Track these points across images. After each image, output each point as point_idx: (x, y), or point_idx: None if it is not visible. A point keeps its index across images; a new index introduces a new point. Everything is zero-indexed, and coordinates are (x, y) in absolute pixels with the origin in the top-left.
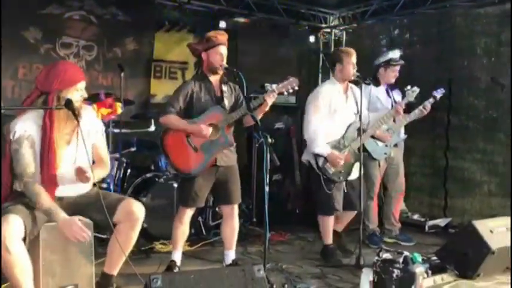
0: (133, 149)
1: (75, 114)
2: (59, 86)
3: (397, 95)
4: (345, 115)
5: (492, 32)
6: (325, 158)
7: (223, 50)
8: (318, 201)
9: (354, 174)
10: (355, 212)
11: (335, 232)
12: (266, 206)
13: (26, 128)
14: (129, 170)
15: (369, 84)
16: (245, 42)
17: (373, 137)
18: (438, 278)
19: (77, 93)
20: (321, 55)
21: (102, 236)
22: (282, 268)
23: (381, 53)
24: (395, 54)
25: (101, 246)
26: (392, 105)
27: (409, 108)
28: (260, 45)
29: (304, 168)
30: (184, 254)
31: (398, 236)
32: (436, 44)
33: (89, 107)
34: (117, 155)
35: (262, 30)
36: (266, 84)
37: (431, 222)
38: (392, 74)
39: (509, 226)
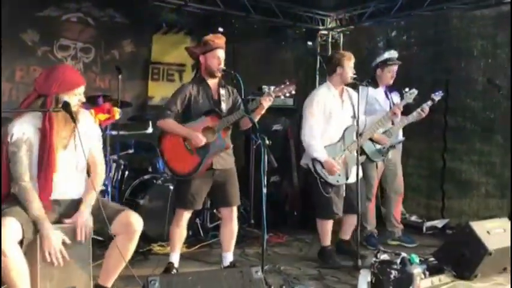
0: (131, 151)
1: (73, 117)
2: (57, 90)
3: (395, 96)
4: (341, 119)
5: (488, 34)
6: (322, 163)
7: (220, 53)
8: (317, 205)
9: (353, 177)
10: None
11: (344, 241)
12: (264, 208)
13: (24, 130)
14: (126, 172)
15: (366, 85)
16: (243, 45)
17: (371, 139)
18: (436, 279)
19: (75, 97)
20: (318, 57)
21: (100, 239)
22: (280, 270)
23: (378, 54)
24: (391, 54)
25: (99, 248)
26: (390, 107)
27: (407, 110)
28: (258, 48)
29: (302, 170)
30: (182, 256)
31: (401, 237)
32: (433, 46)
33: (86, 112)
34: (115, 157)
35: (260, 33)
36: (263, 87)
37: (428, 224)
38: (389, 75)
39: (506, 227)
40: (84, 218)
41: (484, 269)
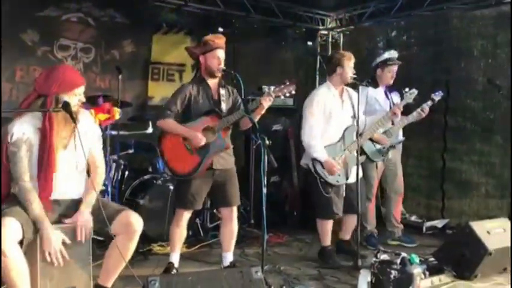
0: (131, 151)
1: (73, 117)
2: (57, 90)
3: (395, 96)
4: (341, 119)
5: (488, 34)
6: (322, 163)
7: (220, 53)
8: (317, 205)
9: (353, 177)
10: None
11: (344, 241)
12: (264, 208)
13: (24, 130)
14: (126, 172)
15: (366, 85)
16: (243, 44)
17: (371, 139)
18: (436, 279)
19: (75, 97)
20: (318, 57)
21: (100, 238)
22: (280, 270)
23: (378, 54)
24: (391, 54)
25: (99, 248)
26: (390, 107)
27: (407, 110)
28: (258, 48)
29: (302, 170)
30: (182, 256)
31: (401, 237)
32: (433, 46)
33: (86, 112)
34: (115, 157)
35: (260, 33)
36: (263, 87)
37: (428, 224)
38: (389, 75)
39: (506, 227)
40: (84, 218)
41: (484, 269)
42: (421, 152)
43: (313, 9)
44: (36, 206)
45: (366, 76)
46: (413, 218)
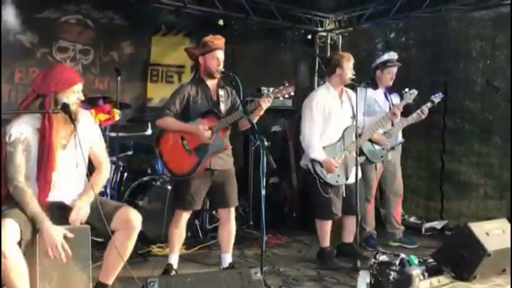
0: (130, 153)
1: (72, 119)
2: (55, 88)
3: (395, 98)
4: (340, 119)
5: (487, 36)
6: (321, 163)
7: (220, 54)
8: (316, 206)
9: (352, 178)
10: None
11: (347, 244)
12: (263, 209)
13: (21, 130)
14: (125, 174)
15: (365, 86)
16: (242, 46)
17: (370, 140)
18: (435, 280)
19: (74, 95)
20: (317, 59)
21: (99, 240)
22: (279, 271)
23: (377, 56)
24: (391, 55)
25: (98, 250)
26: (390, 108)
27: (407, 111)
28: (257, 49)
29: (301, 171)
30: (181, 257)
31: (402, 239)
32: (431, 48)
33: (86, 112)
34: (114, 159)
35: (259, 34)
36: (262, 88)
37: (427, 225)
38: (388, 76)
39: (505, 228)
40: (80, 204)
41: (483, 270)
42: (420, 153)
43: (312, 11)
44: (34, 204)
45: (364, 77)
46: (412, 219)
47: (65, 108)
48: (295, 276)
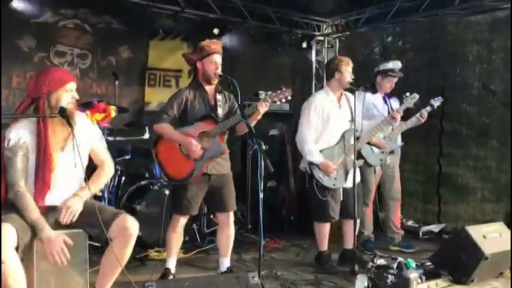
0: (127, 157)
1: (69, 122)
2: (48, 88)
3: (394, 102)
4: (339, 123)
5: (483, 40)
6: (318, 166)
7: (217, 58)
8: (313, 208)
9: (351, 181)
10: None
11: (348, 250)
12: (261, 213)
13: (20, 135)
14: (123, 178)
15: (363, 90)
16: (239, 50)
17: (369, 143)
18: (432, 284)
19: (67, 94)
20: (314, 63)
21: (97, 244)
22: (276, 275)
23: (382, 61)
24: (396, 65)
25: (95, 254)
26: (389, 112)
27: (406, 115)
28: (254, 53)
29: (299, 175)
30: (179, 262)
31: (401, 243)
32: (428, 52)
33: (82, 115)
34: None
35: (256, 39)
36: (260, 92)
37: (425, 228)
38: (388, 85)
39: (502, 232)
40: (72, 201)
41: (481, 273)
42: (417, 157)
43: (309, 15)
44: (34, 210)
45: (361, 81)
46: (409, 222)
47: (62, 112)
48: (293, 280)
